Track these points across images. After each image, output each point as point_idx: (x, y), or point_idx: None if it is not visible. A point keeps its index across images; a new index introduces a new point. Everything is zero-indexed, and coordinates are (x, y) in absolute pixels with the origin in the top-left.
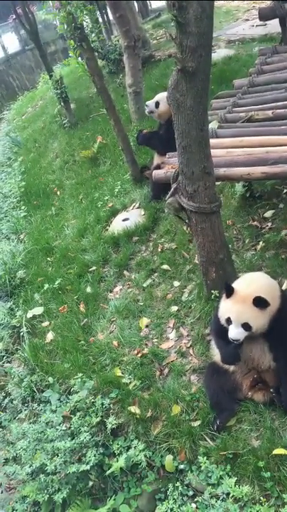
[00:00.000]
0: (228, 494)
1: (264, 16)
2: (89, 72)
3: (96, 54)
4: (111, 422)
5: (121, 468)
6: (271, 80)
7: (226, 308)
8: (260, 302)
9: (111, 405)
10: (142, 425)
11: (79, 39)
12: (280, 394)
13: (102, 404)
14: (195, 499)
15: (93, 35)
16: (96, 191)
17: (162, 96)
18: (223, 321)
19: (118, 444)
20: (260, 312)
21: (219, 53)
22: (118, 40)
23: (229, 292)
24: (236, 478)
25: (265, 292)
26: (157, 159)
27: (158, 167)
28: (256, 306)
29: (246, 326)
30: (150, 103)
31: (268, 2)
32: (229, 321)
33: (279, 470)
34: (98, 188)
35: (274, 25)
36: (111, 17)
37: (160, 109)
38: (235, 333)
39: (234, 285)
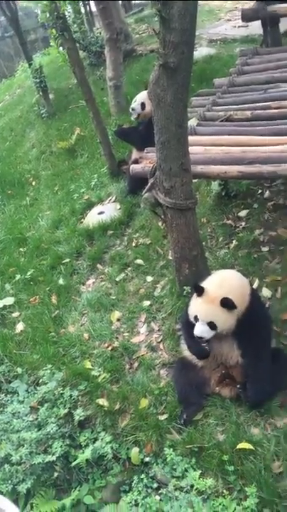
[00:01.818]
0: (192, 486)
1: (247, 17)
2: (69, 63)
3: (77, 45)
4: (79, 413)
5: (86, 459)
6: (251, 80)
7: (195, 306)
8: (227, 303)
9: (80, 397)
10: (110, 418)
11: (61, 28)
12: (246, 390)
13: (71, 396)
14: (159, 491)
15: (75, 25)
16: (72, 183)
17: (145, 96)
18: (191, 318)
19: (85, 436)
20: (227, 312)
21: (200, 52)
22: (100, 33)
23: (199, 292)
24: (200, 471)
25: (234, 292)
26: (135, 154)
27: (136, 162)
28: (223, 306)
29: (211, 325)
30: (137, 106)
31: (252, 3)
32: (196, 318)
33: (242, 464)
34: (74, 180)
35: (255, 27)
36: (93, 8)
37: (146, 110)
38: (200, 330)
39: (204, 283)
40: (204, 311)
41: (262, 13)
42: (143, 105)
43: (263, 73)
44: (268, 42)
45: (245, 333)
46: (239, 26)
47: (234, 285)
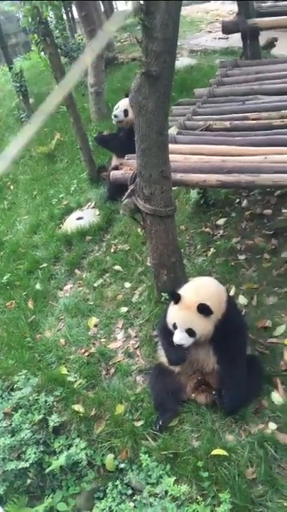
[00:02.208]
0: (166, 493)
1: (227, 29)
2: (51, 68)
3: (59, 51)
4: (54, 419)
5: (60, 466)
6: (230, 92)
7: (173, 314)
8: (204, 309)
9: (55, 403)
10: (85, 424)
11: (43, 34)
12: (221, 396)
13: (46, 401)
14: (134, 498)
15: (57, 31)
16: (51, 188)
17: (128, 103)
18: (170, 326)
19: (59, 442)
20: (204, 319)
21: (181, 62)
22: (82, 39)
23: (176, 299)
24: (175, 478)
25: (211, 299)
26: (115, 160)
27: (116, 168)
28: (200, 312)
29: (190, 332)
30: (119, 113)
31: (232, 16)
32: (175, 326)
33: (217, 470)
34: (53, 185)
35: (235, 40)
36: (75, 15)
37: (129, 116)
38: (179, 337)
39: (181, 291)
40: (182, 318)
41: (242, 25)
42: (125, 112)
43: (242, 85)
44: (247, 54)
45: (221, 339)
46: (219, 38)
47: (211, 292)
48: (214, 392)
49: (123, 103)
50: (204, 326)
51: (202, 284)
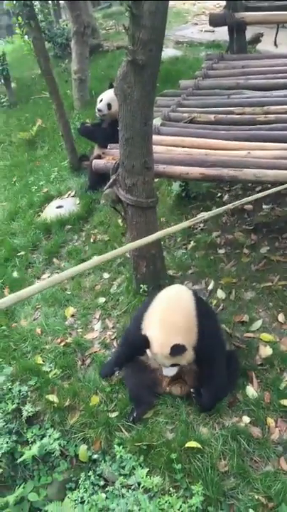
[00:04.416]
0: (139, 484)
1: (214, 22)
2: (34, 53)
3: (43, 35)
4: (28, 409)
5: (33, 456)
6: (216, 85)
7: (152, 356)
8: (178, 351)
9: (29, 393)
10: (59, 414)
11: (27, 16)
12: (200, 395)
13: (19, 391)
14: (106, 489)
15: (41, 15)
16: (31, 175)
17: (112, 97)
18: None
19: (32, 432)
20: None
21: (166, 52)
22: (66, 25)
23: (146, 344)
24: (148, 469)
25: (181, 332)
26: (97, 150)
27: (99, 157)
28: (175, 355)
29: (175, 364)
30: (103, 106)
31: (219, 9)
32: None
33: (190, 462)
34: (33, 173)
35: (221, 33)
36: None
37: (112, 110)
38: (167, 372)
39: (149, 330)
40: (161, 360)
41: (229, 19)
42: (109, 106)
43: (227, 79)
44: (233, 48)
45: (200, 348)
46: (205, 30)
47: (179, 323)
48: (192, 390)
49: (107, 96)
50: (185, 357)
51: (167, 316)
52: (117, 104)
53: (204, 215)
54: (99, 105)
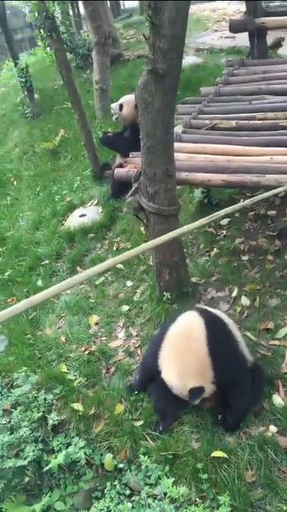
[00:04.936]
0: (165, 494)
1: (234, 28)
2: (56, 64)
3: (64, 47)
4: (53, 417)
5: (59, 465)
6: (237, 91)
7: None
8: (196, 394)
9: (54, 401)
10: (84, 423)
11: (49, 29)
12: (225, 420)
13: (45, 399)
14: (132, 498)
15: (63, 27)
16: (54, 185)
17: (126, 99)
18: None
19: (58, 441)
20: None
21: (187, 60)
22: (88, 36)
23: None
24: (173, 479)
25: (195, 374)
26: (119, 158)
27: (120, 166)
28: (194, 398)
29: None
30: (115, 105)
31: (239, 15)
32: None
33: (216, 472)
34: (57, 182)
35: (242, 39)
36: (82, 11)
37: (123, 112)
38: (195, 401)
39: (163, 370)
40: (183, 397)
41: (250, 25)
42: (120, 106)
43: (248, 84)
44: (254, 54)
45: (219, 380)
46: (225, 37)
47: (192, 366)
48: (219, 417)
49: (122, 98)
50: (205, 391)
51: (181, 358)
52: (129, 107)
53: (221, 212)
54: (112, 104)
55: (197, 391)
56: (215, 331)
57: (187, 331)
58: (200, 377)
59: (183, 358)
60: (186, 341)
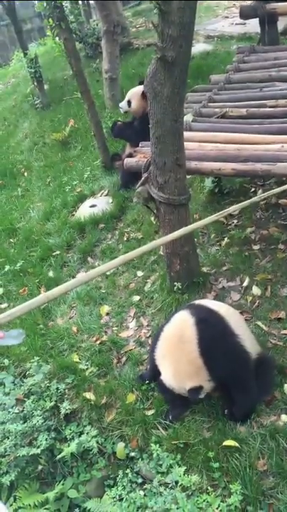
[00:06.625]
0: (177, 482)
1: (245, 14)
2: (65, 54)
3: (74, 36)
4: (65, 407)
5: (71, 453)
6: (247, 78)
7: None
8: (194, 393)
9: (66, 390)
10: (96, 412)
11: (58, 18)
12: (233, 414)
13: (57, 389)
14: (144, 486)
15: (72, 16)
16: (64, 175)
17: (132, 93)
18: None
19: (70, 430)
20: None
21: (197, 47)
22: (97, 24)
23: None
24: (185, 468)
25: (191, 374)
26: (129, 148)
27: (130, 155)
28: (194, 397)
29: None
30: (123, 104)
31: (250, 1)
32: None
33: (228, 461)
34: (67, 172)
35: (253, 25)
36: (91, 0)
37: (133, 106)
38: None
39: (163, 374)
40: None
41: (260, 11)
42: (129, 103)
43: (259, 71)
44: (265, 40)
45: (216, 377)
46: (236, 23)
47: (187, 367)
48: (226, 411)
49: (129, 93)
50: (205, 388)
51: (175, 361)
52: (137, 100)
53: (230, 209)
54: (120, 104)
55: (196, 390)
56: (208, 329)
57: (178, 333)
58: (196, 378)
59: (177, 360)
60: (178, 343)
